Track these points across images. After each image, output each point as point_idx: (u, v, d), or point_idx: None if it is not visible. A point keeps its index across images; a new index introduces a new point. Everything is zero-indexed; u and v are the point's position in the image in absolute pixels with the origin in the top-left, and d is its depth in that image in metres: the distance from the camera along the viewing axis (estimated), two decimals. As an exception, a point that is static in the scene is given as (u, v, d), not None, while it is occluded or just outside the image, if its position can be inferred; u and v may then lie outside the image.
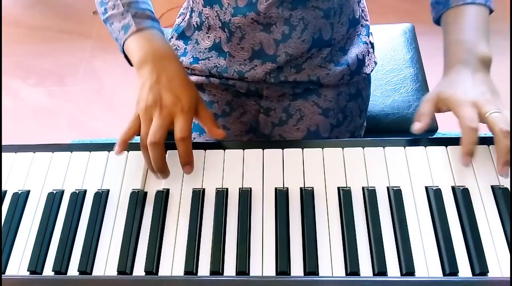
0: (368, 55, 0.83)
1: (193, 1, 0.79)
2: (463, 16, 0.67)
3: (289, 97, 0.79)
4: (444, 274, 0.51)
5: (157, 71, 0.63)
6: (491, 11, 0.69)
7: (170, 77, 0.63)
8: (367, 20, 0.84)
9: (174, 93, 0.62)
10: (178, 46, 0.84)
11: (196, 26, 0.80)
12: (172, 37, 0.86)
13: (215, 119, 0.65)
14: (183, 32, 0.84)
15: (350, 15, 0.76)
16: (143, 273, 0.53)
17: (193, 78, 0.83)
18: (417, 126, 0.62)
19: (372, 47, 0.86)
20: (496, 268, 0.51)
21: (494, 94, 0.61)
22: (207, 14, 0.76)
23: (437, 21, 0.73)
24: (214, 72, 0.79)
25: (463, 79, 0.62)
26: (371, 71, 0.85)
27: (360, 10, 0.81)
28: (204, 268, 0.53)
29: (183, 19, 0.85)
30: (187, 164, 0.60)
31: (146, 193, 0.60)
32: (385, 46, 1.03)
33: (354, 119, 0.84)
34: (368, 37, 0.83)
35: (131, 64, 0.72)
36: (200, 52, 0.81)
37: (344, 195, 0.57)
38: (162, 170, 0.59)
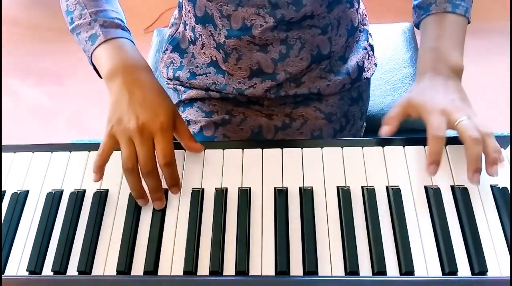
0: (368, 58, 0.83)
1: (185, 14, 0.76)
2: (441, 24, 0.67)
3: (291, 105, 0.79)
4: (443, 273, 0.51)
5: (128, 86, 0.60)
6: (468, 22, 0.69)
7: (144, 91, 0.60)
8: (365, 24, 0.84)
9: (151, 109, 0.58)
10: (173, 59, 0.82)
11: (190, 40, 0.78)
12: (167, 50, 0.83)
13: (192, 136, 0.62)
14: (178, 45, 0.81)
15: (349, 25, 0.75)
16: (142, 273, 0.53)
17: (192, 92, 0.80)
18: (385, 130, 0.62)
19: (372, 49, 0.85)
20: (495, 267, 0.51)
21: (465, 101, 0.61)
22: (200, 32, 0.74)
23: (418, 26, 0.72)
24: (213, 89, 0.78)
25: (434, 86, 0.62)
26: (372, 75, 0.84)
27: (359, 16, 0.80)
28: (203, 268, 0.53)
29: (177, 30, 0.82)
30: (175, 186, 0.58)
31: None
32: (384, 45, 1.03)
33: (356, 123, 0.83)
34: (367, 41, 0.82)
35: (100, 76, 0.67)
36: (198, 67, 0.78)
37: (344, 195, 0.57)
38: (160, 198, 0.57)
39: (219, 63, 0.75)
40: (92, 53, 0.65)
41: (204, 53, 0.76)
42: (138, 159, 0.57)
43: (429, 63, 0.65)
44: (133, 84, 0.61)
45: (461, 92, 0.63)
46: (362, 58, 0.80)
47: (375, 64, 0.85)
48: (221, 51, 0.73)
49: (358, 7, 0.79)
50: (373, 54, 0.85)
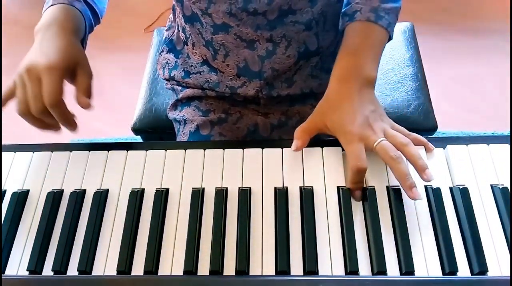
0: None
1: (177, 15, 0.78)
2: (362, 33, 0.66)
3: (287, 104, 0.79)
4: (444, 273, 0.51)
5: (42, 41, 0.62)
6: (390, 39, 0.68)
7: (49, 41, 0.61)
8: None
9: (46, 54, 0.60)
10: (168, 59, 0.84)
11: (184, 40, 0.80)
12: (162, 51, 0.86)
13: (90, 90, 0.63)
14: (173, 46, 0.83)
15: (336, 20, 0.74)
16: (142, 273, 0.53)
17: (189, 91, 0.81)
18: (295, 145, 0.60)
19: None
20: (496, 267, 0.51)
21: (377, 113, 0.61)
22: (189, 31, 0.75)
23: (343, 33, 0.71)
24: (207, 87, 0.79)
25: (348, 102, 0.61)
26: None
27: None
28: (203, 268, 0.53)
29: (173, 32, 0.84)
30: (67, 125, 0.61)
31: (145, 192, 0.60)
32: (385, 45, 1.03)
33: None
34: None
35: None
36: (192, 66, 0.80)
37: (344, 194, 0.57)
38: (51, 130, 0.61)
39: (209, 61, 0.76)
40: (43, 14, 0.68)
41: (196, 52, 0.78)
42: (28, 100, 0.59)
43: (345, 71, 0.64)
44: (46, 39, 0.62)
45: (374, 103, 0.62)
46: None
47: None
48: (209, 48, 0.74)
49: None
50: None
